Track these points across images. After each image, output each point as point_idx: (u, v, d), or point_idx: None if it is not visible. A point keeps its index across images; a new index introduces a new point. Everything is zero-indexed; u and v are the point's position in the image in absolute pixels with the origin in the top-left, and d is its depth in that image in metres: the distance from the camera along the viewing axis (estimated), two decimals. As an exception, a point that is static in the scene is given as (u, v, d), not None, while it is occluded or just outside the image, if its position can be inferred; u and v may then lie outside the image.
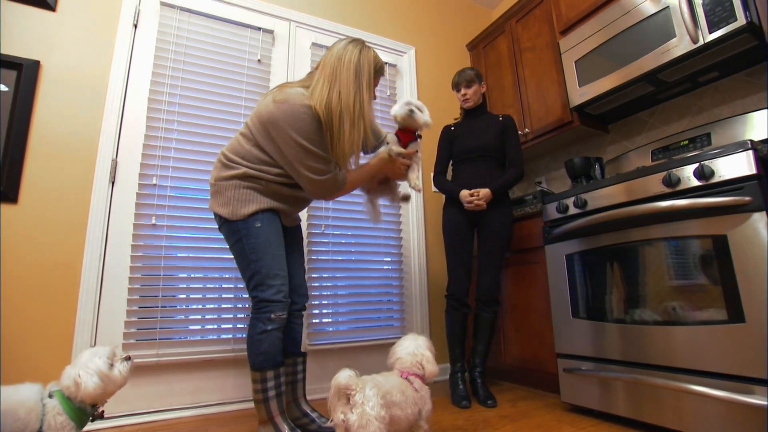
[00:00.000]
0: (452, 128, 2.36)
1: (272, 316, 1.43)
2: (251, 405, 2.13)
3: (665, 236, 1.63)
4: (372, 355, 2.29)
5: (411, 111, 1.51)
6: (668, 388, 1.57)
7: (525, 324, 2.34)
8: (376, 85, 1.50)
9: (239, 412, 2.07)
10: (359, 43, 1.47)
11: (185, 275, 2.03)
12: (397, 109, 1.57)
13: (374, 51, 1.49)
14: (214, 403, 2.10)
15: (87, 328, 1.80)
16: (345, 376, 1.17)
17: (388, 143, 1.69)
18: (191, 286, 2.05)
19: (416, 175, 1.64)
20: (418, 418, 1.37)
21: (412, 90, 2.80)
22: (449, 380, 1.99)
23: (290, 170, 1.44)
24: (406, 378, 1.37)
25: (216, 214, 1.52)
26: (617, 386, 1.74)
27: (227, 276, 2.13)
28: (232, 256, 1.62)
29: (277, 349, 1.46)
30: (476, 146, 2.23)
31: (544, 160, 2.99)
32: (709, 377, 1.48)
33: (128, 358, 1.29)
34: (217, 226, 1.67)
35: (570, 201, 2.02)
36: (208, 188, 1.97)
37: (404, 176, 1.68)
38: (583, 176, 2.35)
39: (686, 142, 2.16)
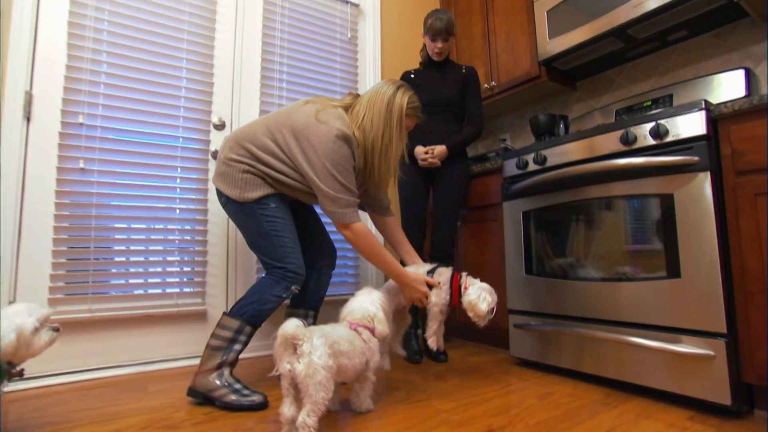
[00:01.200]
0: (412, 75, 2.28)
1: (293, 287, 1.55)
2: (195, 362, 2.09)
3: (619, 194, 1.64)
4: (324, 312, 2.30)
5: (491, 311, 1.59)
6: (610, 341, 1.62)
7: (478, 263, 2.34)
8: (409, 127, 1.61)
9: (182, 370, 2.02)
10: (400, 84, 1.58)
11: (124, 225, 1.93)
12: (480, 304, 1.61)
13: (414, 96, 1.59)
14: (155, 360, 2.05)
15: (3, 281, 1.68)
16: (292, 325, 1.17)
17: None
18: (132, 237, 1.95)
19: (434, 332, 1.69)
20: (365, 368, 1.40)
21: (375, 32, 2.70)
22: (402, 336, 2.02)
23: (307, 178, 1.52)
24: (355, 329, 1.38)
25: (220, 192, 1.60)
26: (563, 340, 1.83)
27: (171, 227, 2.11)
28: (242, 233, 1.65)
29: (268, 316, 1.55)
30: (435, 99, 2.15)
31: (510, 117, 2.95)
32: (647, 329, 1.53)
33: (57, 329, 1.22)
34: (220, 202, 1.67)
35: (530, 157, 2.00)
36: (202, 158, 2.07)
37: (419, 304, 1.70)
38: (547, 134, 2.32)
39: (649, 103, 2.16)
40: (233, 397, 1.47)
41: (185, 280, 2.14)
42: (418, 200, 2.24)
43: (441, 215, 2.22)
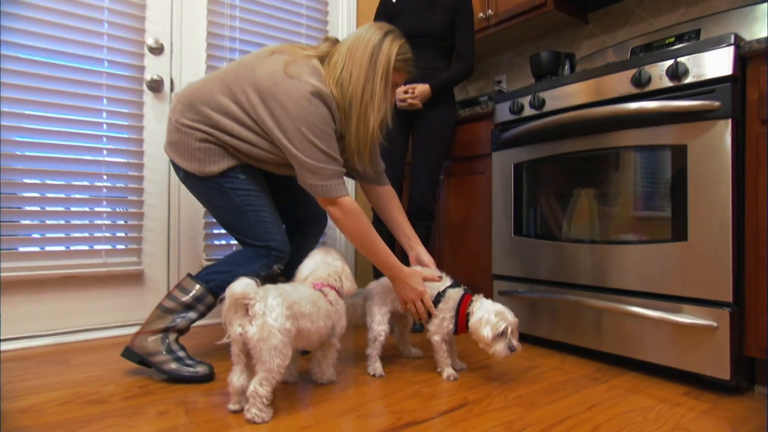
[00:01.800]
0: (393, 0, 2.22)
1: (275, 267, 1.54)
2: (128, 331, 2.07)
3: (625, 145, 1.64)
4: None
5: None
6: (606, 310, 1.66)
7: (462, 243, 2.38)
8: (397, 84, 1.49)
9: (114, 340, 1.98)
10: (388, 29, 1.45)
11: (38, 167, 1.88)
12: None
13: (406, 45, 1.46)
14: (80, 329, 2.05)
15: None
16: (242, 284, 1.17)
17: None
18: (48, 182, 1.90)
19: (443, 364, 1.60)
20: (330, 334, 1.40)
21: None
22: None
23: (281, 147, 1.42)
24: (320, 290, 1.39)
25: (176, 165, 1.53)
26: (554, 309, 1.88)
27: (98, 172, 2.03)
28: (209, 210, 1.62)
29: None
30: (419, 29, 2.06)
31: (508, 55, 2.86)
32: (646, 297, 1.56)
33: None
34: (179, 176, 1.60)
35: (526, 100, 1.97)
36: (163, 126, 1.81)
37: (411, 308, 1.57)
38: (550, 74, 2.25)
39: (672, 39, 2.09)
40: (173, 365, 1.46)
41: (117, 235, 2.08)
42: (395, 148, 2.20)
43: (421, 166, 2.20)
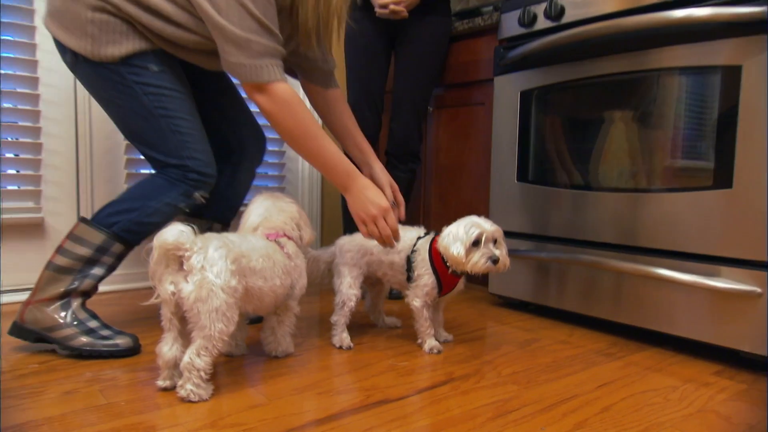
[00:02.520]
0: None
1: (197, 194, 1.49)
2: (24, 297, 2.07)
3: (664, 66, 1.63)
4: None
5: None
6: (628, 274, 1.69)
7: (454, 191, 2.40)
8: None
9: (4, 308, 1.97)
10: None
11: None
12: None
13: None
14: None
15: None
16: (174, 232, 1.15)
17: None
18: None
19: (423, 334, 1.61)
20: (288, 295, 1.41)
21: None
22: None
23: (198, 10, 1.32)
24: (275, 240, 1.39)
25: (60, 44, 1.41)
26: (564, 273, 1.90)
27: None
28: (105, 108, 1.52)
29: (151, 234, 1.48)
30: None
31: None
32: (677, 258, 1.58)
33: None
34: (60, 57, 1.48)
35: (540, 9, 1.93)
36: None
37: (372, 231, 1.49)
38: None
39: None
40: (84, 339, 1.42)
41: (8, 173, 2.00)
42: (372, 70, 2.17)
43: (405, 94, 2.18)
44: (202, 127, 1.51)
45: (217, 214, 1.75)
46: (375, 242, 1.62)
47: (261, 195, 1.54)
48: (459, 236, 1.42)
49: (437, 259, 1.54)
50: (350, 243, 1.69)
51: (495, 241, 1.46)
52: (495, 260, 1.43)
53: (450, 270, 1.53)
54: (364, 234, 1.49)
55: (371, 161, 1.66)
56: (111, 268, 1.48)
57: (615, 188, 1.76)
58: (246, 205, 1.60)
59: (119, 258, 1.48)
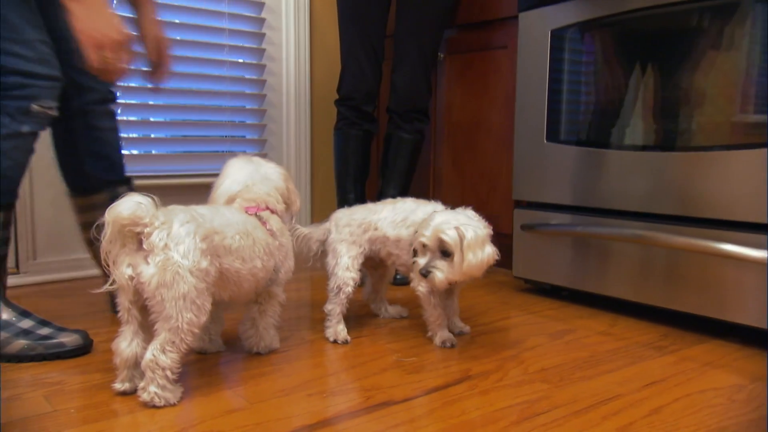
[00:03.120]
0: None
1: (34, 107, 1.37)
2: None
3: None
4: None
5: None
6: (683, 250, 1.68)
7: (470, 155, 2.40)
8: None
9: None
10: None
11: None
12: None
13: None
14: None
15: None
16: (130, 204, 1.14)
17: None
18: None
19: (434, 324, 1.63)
20: (272, 280, 1.42)
21: None
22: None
23: None
24: (255, 214, 1.39)
25: None
26: (603, 251, 1.89)
27: None
28: None
29: (21, 173, 1.43)
30: None
31: None
32: (744, 230, 1.57)
33: None
34: None
35: None
36: None
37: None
38: None
39: None
40: (22, 342, 1.42)
41: None
42: (370, 9, 2.20)
43: (410, 39, 2.19)
44: (30, 18, 1.37)
45: (100, 173, 1.70)
46: (381, 215, 1.64)
47: (238, 159, 1.52)
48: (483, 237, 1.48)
49: None
50: (349, 217, 1.69)
51: (443, 252, 1.44)
52: (425, 273, 1.45)
53: None
54: (93, 62, 1.32)
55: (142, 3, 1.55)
56: (4, 241, 1.45)
57: (668, 147, 1.74)
58: (214, 172, 1.57)
59: (6, 224, 1.44)
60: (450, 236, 1.41)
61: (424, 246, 1.45)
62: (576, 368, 1.44)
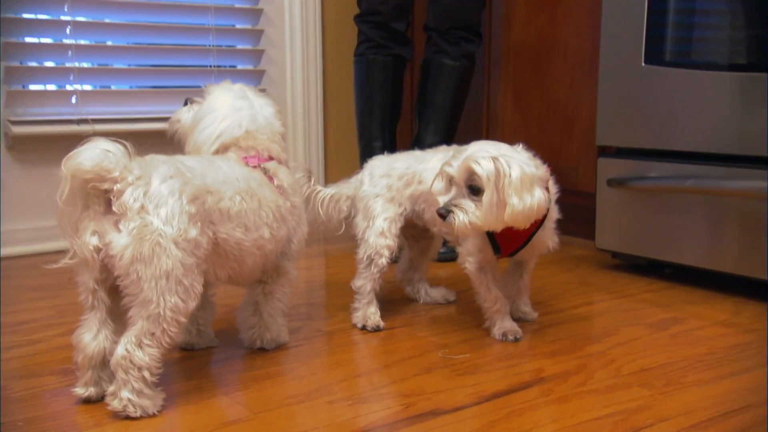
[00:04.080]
0: None
1: None
2: None
3: None
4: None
5: None
6: None
7: (538, 87, 2.39)
8: None
9: None
10: None
11: None
12: None
13: None
14: None
15: None
16: (94, 152, 1.14)
17: None
18: None
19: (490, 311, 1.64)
20: (283, 253, 1.45)
21: None
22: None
23: None
24: (260, 167, 1.40)
25: None
26: (725, 213, 1.85)
27: None
28: None
29: None
30: None
31: None
32: None
33: None
34: None
35: None
36: None
37: None
38: None
39: None
40: None
41: None
42: None
43: None
44: None
45: None
46: (429, 165, 1.62)
47: (222, 89, 1.52)
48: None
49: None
50: (389, 165, 1.70)
51: (473, 189, 1.41)
52: (443, 213, 1.41)
53: None
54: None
55: None
56: None
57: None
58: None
59: None
60: (483, 168, 1.37)
61: (450, 180, 1.43)
62: (688, 369, 1.42)
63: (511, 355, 1.51)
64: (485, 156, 1.38)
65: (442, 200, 1.42)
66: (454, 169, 1.41)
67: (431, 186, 1.47)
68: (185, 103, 1.56)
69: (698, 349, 1.53)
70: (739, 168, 1.83)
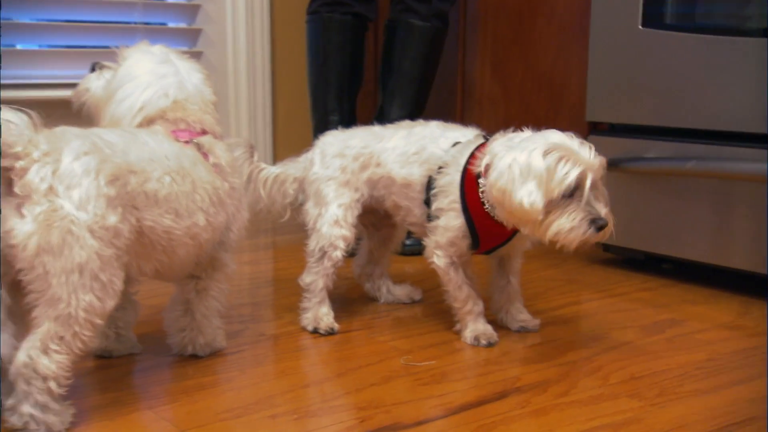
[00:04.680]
0: None
1: None
2: None
3: None
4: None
5: None
6: None
7: (521, 53, 2.40)
8: None
9: None
10: None
11: None
12: None
13: None
14: None
15: None
16: None
17: None
18: None
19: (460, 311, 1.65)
20: (220, 243, 1.47)
21: None
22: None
23: None
24: (192, 142, 1.41)
25: None
26: (734, 199, 1.88)
27: None
28: None
29: None
30: None
31: None
32: None
33: None
34: None
35: None
36: None
37: None
38: None
39: None
40: None
41: None
42: None
43: None
44: None
45: None
46: (388, 144, 1.64)
47: (145, 51, 1.52)
48: (535, 171, 1.39)
49: (470, 191, 1.53)
50: (343, 143, 1.71)
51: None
52: (601, 226, 1.41)
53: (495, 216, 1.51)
54: None
55: None
56: None
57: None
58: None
59: None
60: None
61: (578, 187, 1.42)
62: (684, 378, 1.44)
63: (484, 362, 1.52)
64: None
65: (579, 210, 1.41)
66: (597, 165, 1.42)
67: (530, 202, 1.39)
68: (92, 69, 1.53)
69: (697, 355, 1.55)
70: (750, 148, 1.85)
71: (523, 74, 2.40)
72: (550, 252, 2.23)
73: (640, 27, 2.00)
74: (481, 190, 1.51)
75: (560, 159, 1.39)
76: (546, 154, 1.40)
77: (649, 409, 1.31)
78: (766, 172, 1.80)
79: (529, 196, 1.38)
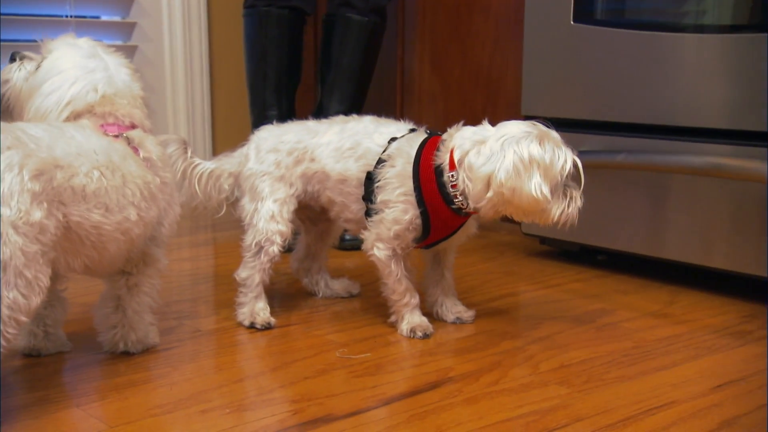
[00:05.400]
0: None
1: None
2: None
3: None
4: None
5: None
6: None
7: (458, 48, 2.41)
8: None
9: None
10: None
11: None
12: None
13: None
14: None
15: None
16: None
17: None
18: None
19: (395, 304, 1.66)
20: (151, 238, 1.46)
21: None
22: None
23: None
24: (123, 136, 1.40)
25: None
26: (664, 191, 1.91)
27: None
28: None
29: None
30: None
31: None
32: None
33: None
34: None
35: None
36: None
37: None
38: None
39: None
40: None
41: None
42: None
43: None
44: None
45: None
46: (322, 140, 1.64)
47: (71, 44, 1.49)
48: (538, 162, 1.46)
49: (427, 183, 1.54)
50: (277, 138, 1.71)
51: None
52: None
53: (456, 206, 1.53)
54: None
55: None
56: None
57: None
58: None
59: None
60: None
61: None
62: (611, 365, 1.46)
63: (419, 353, 1.53)
64: None
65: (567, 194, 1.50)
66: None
67: (542, 193, 1.46)
68: (12, 59, 1.50)
69: (624, 343, 1.58)
70: (683, 142, 1.87)
71: (461, 69, 2.41)
72: (488, 246, 2.27)
73: (572, 22, 2.01)
74: (452, 183, 1.53)
75: (552, 150, 1.48)
76: (542, 145, 1.48)
77: (576, 395, 1.33)
78: (691, 164, 1.82)
79: (538, 187, 1.45)
